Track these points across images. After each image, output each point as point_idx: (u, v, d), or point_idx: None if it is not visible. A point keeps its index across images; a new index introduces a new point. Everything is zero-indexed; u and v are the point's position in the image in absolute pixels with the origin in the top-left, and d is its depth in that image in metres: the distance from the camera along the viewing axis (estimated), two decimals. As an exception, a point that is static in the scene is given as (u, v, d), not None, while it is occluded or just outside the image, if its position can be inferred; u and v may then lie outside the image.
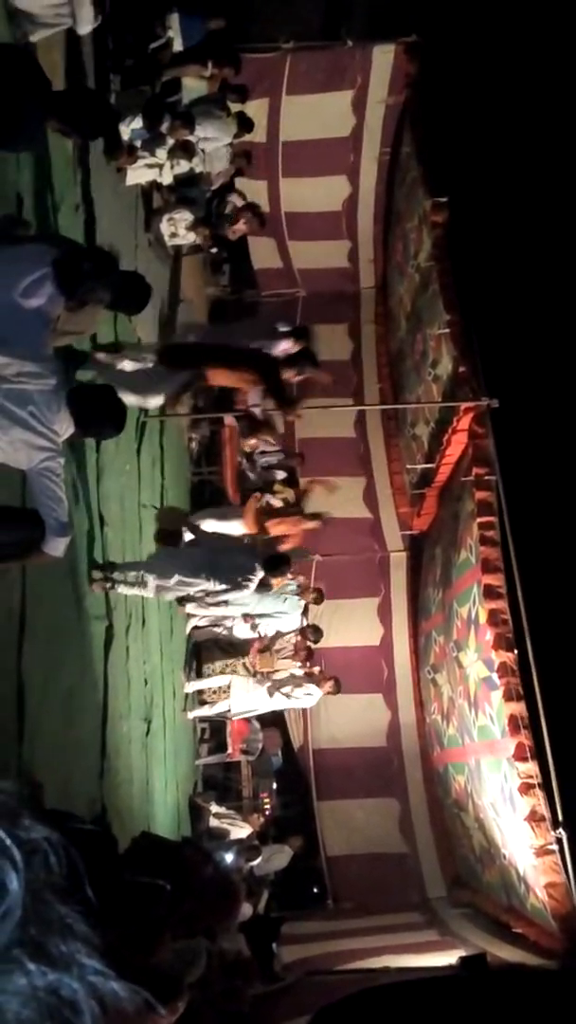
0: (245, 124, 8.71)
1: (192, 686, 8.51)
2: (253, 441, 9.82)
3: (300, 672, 8.75)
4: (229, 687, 8.52)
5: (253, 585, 6.87)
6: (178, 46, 8.23)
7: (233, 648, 8.82)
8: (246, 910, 7.02)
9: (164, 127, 7.61)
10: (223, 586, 6.76)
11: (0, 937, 0.56)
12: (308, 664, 8.87)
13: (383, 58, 10.65)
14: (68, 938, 0.60)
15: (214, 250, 10.20)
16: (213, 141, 8.24)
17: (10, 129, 4.12)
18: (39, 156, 5.04)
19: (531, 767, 6.64)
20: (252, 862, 8.19)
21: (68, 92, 5.80)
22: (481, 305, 9.06)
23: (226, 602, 7.34)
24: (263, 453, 10.21)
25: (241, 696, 8.46)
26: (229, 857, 7.68)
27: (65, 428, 3.39)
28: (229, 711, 8.65)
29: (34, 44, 5.00)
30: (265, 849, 8.67)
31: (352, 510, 11.08)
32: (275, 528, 7.96)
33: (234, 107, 8.87)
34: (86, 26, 5.36)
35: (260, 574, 6.87)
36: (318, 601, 8.74)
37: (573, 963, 6.08)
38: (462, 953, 6.61)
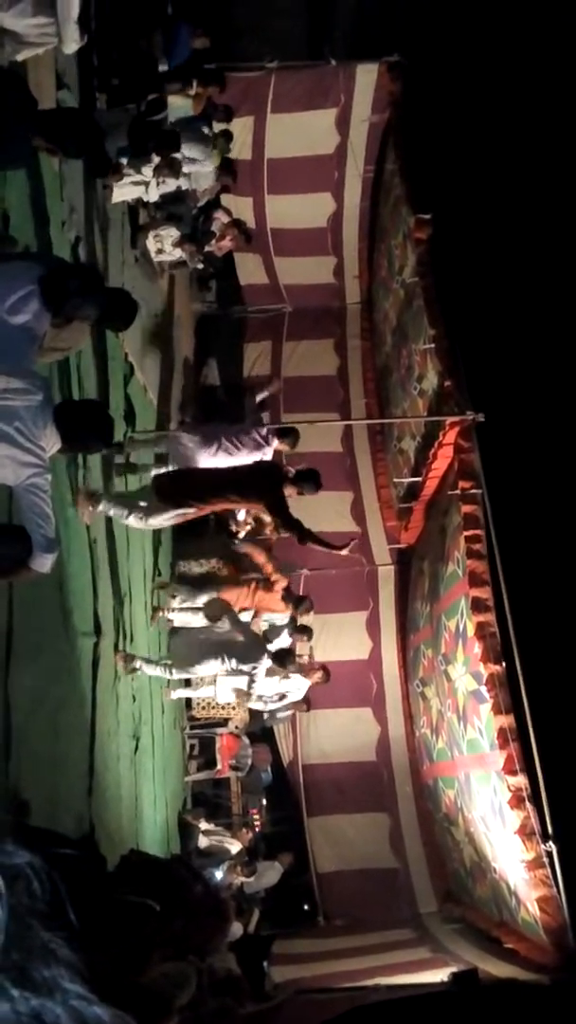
0: (228, 166, 8.85)
1: (178, 694, 8.41)
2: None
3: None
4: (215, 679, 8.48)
5: (261, 673, 7.57)
6: (163, 65, 8.30)
7: None
8: (236, 930, 6.96)
9: (149, 145, 7.65)
10: (234, 668, 7.51)
11: None
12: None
13: (366, 77, 10.77)
14: (51, 963, 0.60)
15: (200, 266, 10.25)
16: (197, 164, 8.32)
17: (-4, 147, 4.15)
18: (25, 174, 5.06)
19: (521, 780, 6.63)
20: (247, 878, 8.14)
21: (54, 111, 5.84)
22: (466, 320, 9.13)
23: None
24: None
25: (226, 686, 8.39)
26: (219, 875, 7.63)
27: (52, 444, 3.40)
28: (214, 698, 8.65)
29: (20, 63, 5.03)
30: (256, 865, 8.62)
31: (339, 524, 11.09)
32: (258, 603, 8.14)
33: (219, 126, 8.98)
34: (71, 45, 5.40)
35: (267, 663, 7.54)
36: (307, 611, 8.72)
37: (565, 977, 6.05)
38: (453, 969, 6.57)
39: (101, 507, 5.87)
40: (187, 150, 8.05)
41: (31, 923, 0.60)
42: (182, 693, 8.41)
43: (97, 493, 5.86)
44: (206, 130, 8.66)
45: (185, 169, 8.01)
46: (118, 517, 6.15)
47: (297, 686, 8.54)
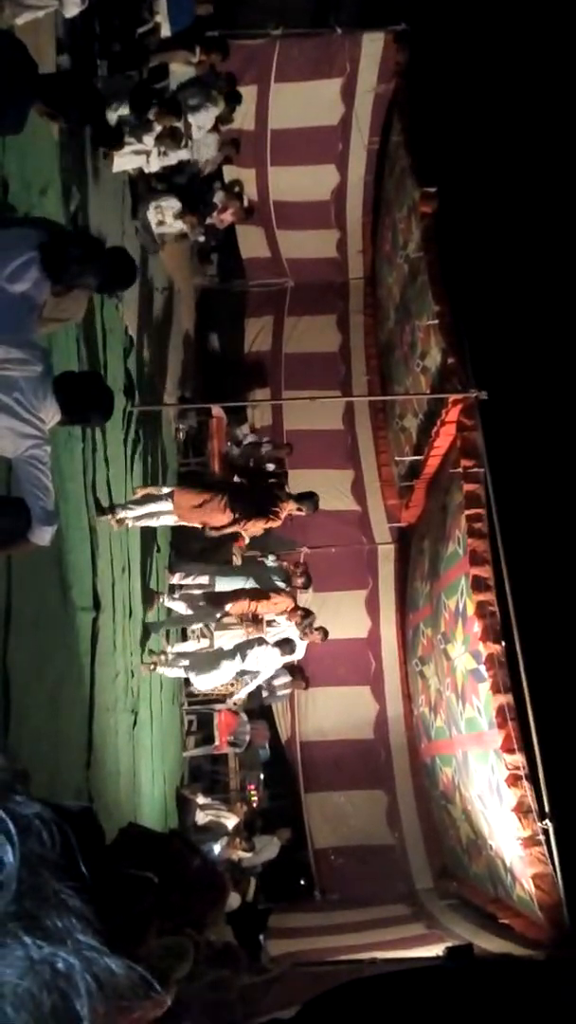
0: (234, 97, 8.55)
1: (176, 648, 8.42)
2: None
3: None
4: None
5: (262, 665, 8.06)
6: (166, 31, 8.14)
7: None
8: (233, 900, 7.02)
9: (151, 113, 7.52)
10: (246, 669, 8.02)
11: None
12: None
13: (372, 46, 10.57)
14: (63, 913, 0.61)
15: (202, 239, 10.12)
16: (201, 112, 8.10)
17: (-5, 111, 4.04)
18: (25, 141, 4.96)
19: (518, 759, 6.65)
20: (247, 853, 8.19)
21: (55, 76, 5.72)
22: (470, 296, 9.03)
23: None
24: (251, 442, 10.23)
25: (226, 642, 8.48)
26: (217, 849, 7.67)
27: (52, 415, 3.34)
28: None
29: (20, 27, 4.92)
30: (255, 840, 8.66)
31: (340, 502, 11.06)
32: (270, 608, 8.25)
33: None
34: (72, 9, 5.29)
35: (274, 652, 7.95)
36: (307, 586, 8.70)
37: (559, 953, 6.11)
38: (449, 944, 6.62)
39: (121, 514, 6.45)
40: (189, 100, 7.89)
41: (42, 872, 0.60)
42: (181, 648, 8.43)
43: (115, 507, 6.45)
44: (209, 87, 8.43)
45: (190, 119, 7.84)
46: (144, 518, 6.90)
47: (297, 648, 8.57)
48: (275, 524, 7.41)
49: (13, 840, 0.59)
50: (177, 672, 7.90)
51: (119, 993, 0.61)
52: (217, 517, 7.14)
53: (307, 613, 8.23)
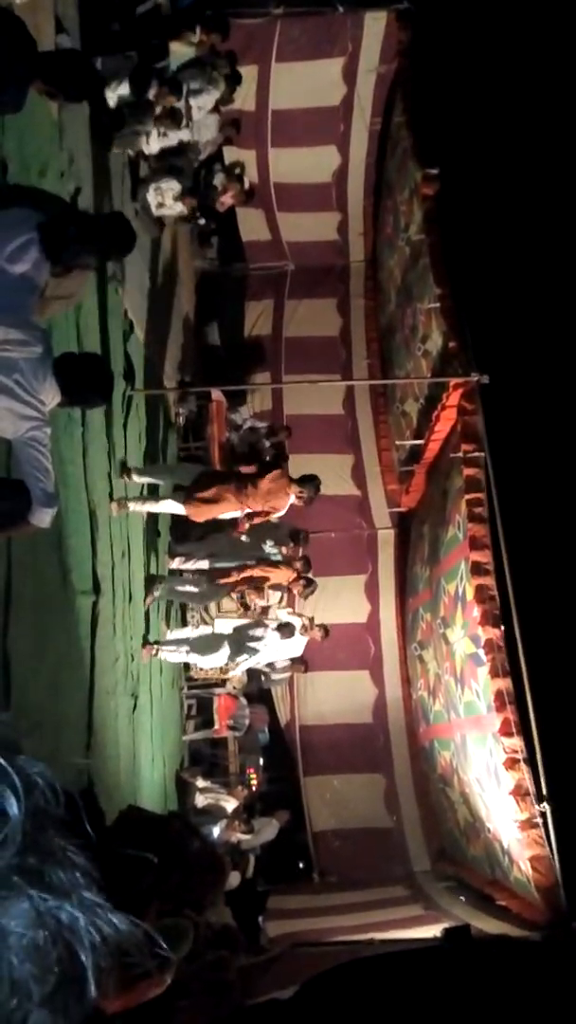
0: (234, 77, 8.45)
1: (175, 634, 8.45)
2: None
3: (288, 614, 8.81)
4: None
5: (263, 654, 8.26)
6: (166, 10, 8.04)
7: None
8: (233, 879, 7.08)
9: (151, 94, 7.44)
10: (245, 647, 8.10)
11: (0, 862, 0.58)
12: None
13: (374, 25, 10.44)
14: (67, 868, 0.61)
15: (202, 221, 10.04)
16: (202, 93, 8.01)
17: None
18: (24, 121, 4.91)
19: (516, 742, 6.68)
20: (245, 836, 8.24)
21: (53, 53, 5.65)
22: (472, 279, 8.97)
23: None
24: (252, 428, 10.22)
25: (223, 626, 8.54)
26: (216, 831, 7.72)
27: (51, 397, 3.33)
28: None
29: (19, 5, 4.86)
30: (254, 823, 8.72)
31: (340, 487, 11.05)
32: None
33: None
34: (71, -15, 5.22)
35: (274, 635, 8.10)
36: (306, 569, 8.71)
37: (555, 934, 6.16)
38: (446, 926, 6.67)
39: (132, 507, 6.66)
40: (190, 81, 7.80)
41: (47, 828, 0.61)
42: (179, 634, 8.46)
43: (124, 499, 6.68)
44: (209, 68, 8.35)
45: (190, 101, 7.77)
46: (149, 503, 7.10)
47: (297, 643, 8.60)
48: (278, 514, 7.41)
49: (19, 794, 0.59)
50: (177, 656, 7.92)
51: (123, 949, 0.61)
52: (225, 510, 7.17)
53: (309, 581, 8.23)
